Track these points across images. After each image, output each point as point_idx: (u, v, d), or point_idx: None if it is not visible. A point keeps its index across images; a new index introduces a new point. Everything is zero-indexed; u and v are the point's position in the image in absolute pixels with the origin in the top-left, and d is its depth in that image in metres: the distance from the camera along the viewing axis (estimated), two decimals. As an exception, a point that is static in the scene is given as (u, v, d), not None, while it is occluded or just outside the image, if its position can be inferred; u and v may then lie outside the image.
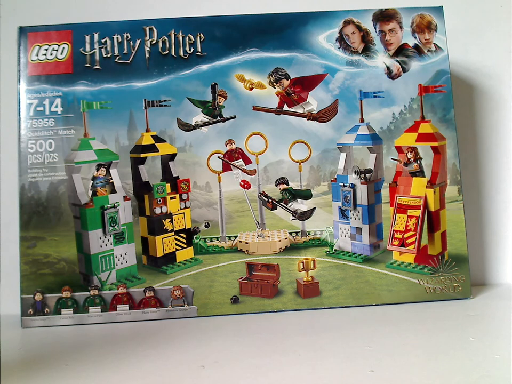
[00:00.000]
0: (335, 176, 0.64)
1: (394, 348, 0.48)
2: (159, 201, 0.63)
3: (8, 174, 0.66)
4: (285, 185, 0.63)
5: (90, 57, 0.62)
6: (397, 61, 0.64)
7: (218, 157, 0.63)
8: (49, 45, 0.62)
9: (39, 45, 0.62)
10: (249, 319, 0.59)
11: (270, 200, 0.63)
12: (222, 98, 0.62)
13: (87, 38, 0.62)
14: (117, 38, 0.62)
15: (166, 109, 0.62)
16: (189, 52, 0.62)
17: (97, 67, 0.62)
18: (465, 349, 0.47)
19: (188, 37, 0.63)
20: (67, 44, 0.62)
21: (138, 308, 0.60)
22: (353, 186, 0.64)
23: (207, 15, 0.63)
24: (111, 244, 0.62)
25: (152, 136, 0.62)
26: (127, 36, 0.62)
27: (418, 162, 0.63)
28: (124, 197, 0.63)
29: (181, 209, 0.64)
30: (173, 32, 0.63)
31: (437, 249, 0.63)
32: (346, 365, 0.45)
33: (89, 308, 0.60)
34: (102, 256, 0.61)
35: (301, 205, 0.63)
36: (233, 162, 0.63)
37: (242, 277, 0.62)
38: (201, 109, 0.62)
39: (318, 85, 0.63)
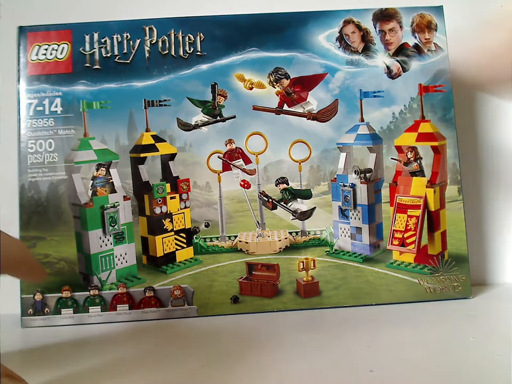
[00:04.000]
0: (335, 176, 0.64)
1: (394, 348, 0.48)
2: (159, 201, 0.63)
3: (8, 174, 0.65)
4: (285, 185, 0.63)
5: (90, 57, 0.62)
6: (397, 61, 0.64)
7: (218, 157, 0.63)
8: (49, 45, 0.62)
9: (38, 45, 0.62)
10: (249, 319, 0.59)
11: (270, 200, 0.63)
12: (222, 98, 0.62)
13: (87, 37, 0.62)
14: (117, 37, 0.62)
15: (166, 109, 0.62)
16: (188, 51, 0.62)
17: (97, 67, 0.62)
18: (465, 349, 0.47)
19: (187, 37, 0.62)
20: (67, 44, 0.62)
21: (138, 307, 0.60)
22: (353, 186, 0.64)
23: (207, 14, 0.63)
24: (111, 244, 0.62)
25: (152, 136, 0.62)
26: (127, 36, 0.62)
27: (418, 162, 0.63)
28: (124, 196, 0.63)
29: (180, 209, 0.64)
30: (172, 31, 0.62)
31: (437, 249, 0.63)
32: (346, 365, 0.45)
33: (89, 307, 0.60)
34: (102, 256, 0.61)
35: (301, 205, 0.63)
36: (233, 162, 0.63)
37: (242, 277, 0.62)
38: (201, 109, 0.62)
39: (318, 85, 0.63)
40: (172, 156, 0.63)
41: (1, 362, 0.38)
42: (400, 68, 0.64)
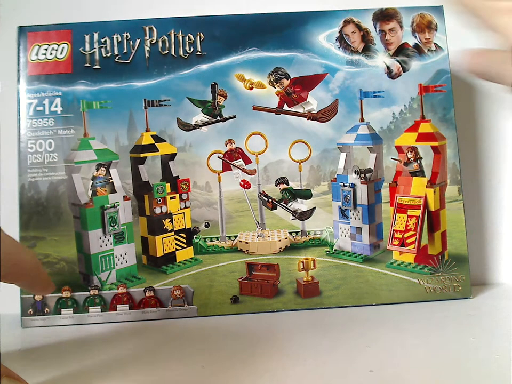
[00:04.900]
0: (335, 176, 0.64)
1: (394, 348, 0.48)
2: (159, 201, 0.63)
3: (8, 174, 0.65)
4: (285, 185, 0.63)
5: (90, 57, 0.62)
6: (397, 61, 0.64)
7: (218, 157, 0.63)
8: (49, 45, 0.62)
9: (38, 45, 0.62)
10: (249, 319, 0.59)
11: (270, 200, 0.63)
12: (222, 98, 0.62)
13: (87, 37, 0.62)
14: (117, 37, 0.62)
15: (166, 109, 0.62)
16: (188, 51, 0.62)
17: (97, 67, 0.62)
18: (465, 349, 0.47)
19: (187, 37, 0.62)
20: (67, 44, 0.62)
21: (138, 307, 0.60)
22: (353, 186, 0.64)
23: (207, 14, 0.63)
24: (111, 244, 0.62)
25: (152, 136, 0.62)
26: (127, 36, 0.62)
27: (418, 162, 0.63)
28: (124, 196, 0.63)
29: (180, 209, 0.64)
30: (172, 31, 0.62)
31: (437, 249, 0.63)
32: (346, 365, 0.45)
33: (89, 307, 0.60)
34: (102, 256, 0.61)
35: (301, 205, 0.63)
36: (233, 162, 0.63)
37: (242, 277, 0.62)
38: (201, 109, 0.62)
39: (318, 85, 0.63)
40: (172, 156, 0.63)
41: (1, 363, 0.38)
42: (400, 67, 0.64)
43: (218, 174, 0.63)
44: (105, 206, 0.61)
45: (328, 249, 0.63)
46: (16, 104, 0.61)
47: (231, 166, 0.63)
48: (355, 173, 0.63)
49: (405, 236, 0.62)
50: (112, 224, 0.62)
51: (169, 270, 0.62)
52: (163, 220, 0.64)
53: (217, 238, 0.63)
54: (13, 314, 0.62)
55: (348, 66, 0.63)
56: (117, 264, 0.62)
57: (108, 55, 0.62)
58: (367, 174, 0.63)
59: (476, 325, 0.53)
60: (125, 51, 0.62)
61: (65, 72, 0.62)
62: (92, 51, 0.62)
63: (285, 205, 0.63)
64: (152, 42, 0.62)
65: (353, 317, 0.58)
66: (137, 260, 0.63)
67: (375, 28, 0.64)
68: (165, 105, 0.62)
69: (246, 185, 0.63)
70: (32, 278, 0.41)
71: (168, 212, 0.64)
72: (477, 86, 0.74)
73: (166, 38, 0.62)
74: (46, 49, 0.62)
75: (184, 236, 0.64)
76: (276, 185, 0.63)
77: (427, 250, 0.63)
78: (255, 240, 0.63)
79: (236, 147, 0.63)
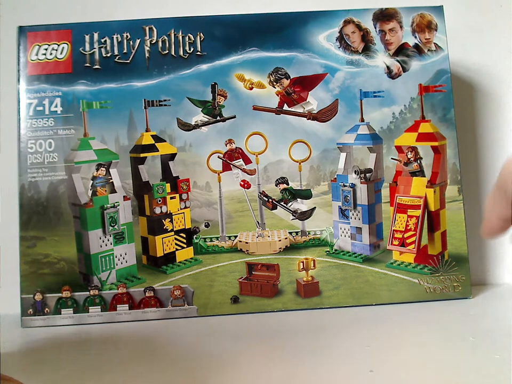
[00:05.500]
0: (335, 176, 0.64)
1: (394, 348, 0.48)
2: (159, 201, 0.63)
3: (8, 174, 0.65)
4: (285, 185, 0.63)
5: (90, 57, 0.62)
6: (397, 61, 0.64)
7: (218, 157, 0.63)
8: (49, 45, 0.62)
9: (38, 45, 0.62)
10: (249, 319, 0.59)
11: (270, 200, 0.63)
12: (222, 98, 0.62)
13: (87, 37, 0.62)
14: (117, 37, 0.62)
15: (165, 109, 0.62)
16: (188, 51, 0.62)
17: (97, 67, 0.62)
18: (465, 349, 0.47)
19: (187, 37, 0.62)
20: (67, 44, 0.62)
21: (138, 307, 0.60)
22: (353, 186, 0.64)
23: (207, 14, 0.63)
24: (111, 244, 0.62)
25: (152, 136, 0.62)
26: (127, 36, 0.62)
27: (419, 162, 0.63)
28: (124, 196, 0.63)
29: (180, 209, 0.64)
30: (172, 31, 0.62)
31: (437, 249, 0.63)
32: (346, 365, 0.45)
33: (89, 307, 0.60)
34: (102, 256, 0.61)
35: (301, 205, 0.63)
36: (233, 162, 0.63)
37: (242, 277, 0.62)
38: (201, 109, 0.62)
39: (318, 85, 0.63)
40: (172, 156, 0.63)
41: (1, 362, 0.38)
42: (400, 67, 0.64)
43: (218, 174, 0.63)
44: (105, 206, 0.61)
45: (328, 249, 0.63)
46: (16, 104, 0.61)
47: (231, 166, 0.63)
48: (355, 173, 0.63)
49: (405, 236, 0.62)
50: (112, 224, 0.62)
51: (169, 270, 0.62)
52: (163, 220, 0.64)
53: (217, 238, 0.63)
54: (13, 314, 0.62)
55: (348, 66, 0.63)
56: (117, 264, 0.62)
57: (108, 55, 0.62)
58: (367, 174, 0.63)
59: (475, 325, 0.53)
60: (125, 51, 0.62)
61: (65, 72, 0.62)
62: (92, 51, 0.62)
63: (285, 205, 0.63)
64: (152, 42, 0.62)
65: (353, 317, 0.58)
66: (137, 259, 0.63)
67: (375, 28, 0.64)
68: (165, 105, 0.62)
69: (246, 185, 0.63)
70: None
71: (168, 212, 0.64)
72: (477, 86, 0.74)
73: (166, 38, 0.62)
74: (46, 49, 0.62)
75: (184, 235, 0.64)
76: (276, 185, 0.63)
77: (427, 250, 0.63)
78: (255, 240, 0.63)
79: (236, 147, 0.63)
